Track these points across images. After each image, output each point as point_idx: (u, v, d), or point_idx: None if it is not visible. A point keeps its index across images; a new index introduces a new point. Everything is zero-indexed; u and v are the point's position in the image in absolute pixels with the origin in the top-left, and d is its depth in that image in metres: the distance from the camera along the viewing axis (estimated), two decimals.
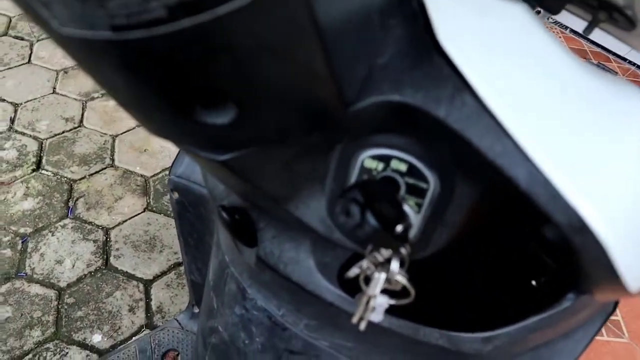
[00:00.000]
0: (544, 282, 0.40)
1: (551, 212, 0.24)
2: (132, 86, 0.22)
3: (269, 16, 0.18)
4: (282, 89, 0.22)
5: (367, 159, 0.31)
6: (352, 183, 0.31)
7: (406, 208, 0.31)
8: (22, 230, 1.38)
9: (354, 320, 0.33)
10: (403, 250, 0.31)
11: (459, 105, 0.25)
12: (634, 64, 2.23)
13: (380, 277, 0.30)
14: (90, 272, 1.31)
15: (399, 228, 0.28)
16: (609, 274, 0.25)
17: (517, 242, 0.39)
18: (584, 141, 0.24)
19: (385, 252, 0.31)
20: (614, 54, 2.28)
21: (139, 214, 1.46)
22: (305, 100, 0.23)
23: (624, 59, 2.27)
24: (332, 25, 0.20)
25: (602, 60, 2.25)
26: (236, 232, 0.42)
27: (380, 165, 0.31)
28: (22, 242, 1.35)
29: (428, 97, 0.25)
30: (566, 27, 2.37)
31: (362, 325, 0.33)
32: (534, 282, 0.41)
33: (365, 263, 0.32)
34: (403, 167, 0.30)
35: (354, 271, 0.32)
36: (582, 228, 0.24)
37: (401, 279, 0.32)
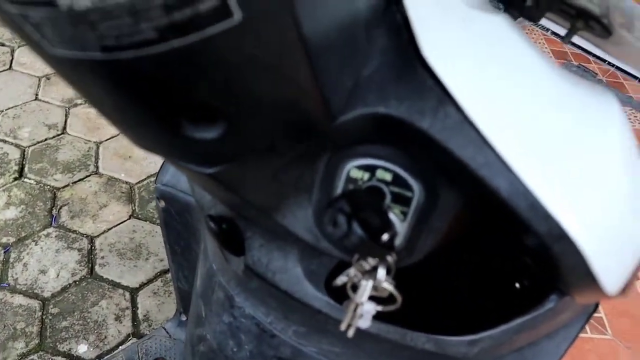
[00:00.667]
0: (527, 285, 0.41)
1: (531, 221, 0.25)
2: (121, 104, 0.22)
3: (257, 35, 0.19)
4: (270, 104, 0.22)
5: (353, 169, 0.31)
6: (338, 193, 0.31)
7: (392, 216, 0.31)
8: (4, 239, 1.35)
9: (342, 327, 0.34)
10: (389, 258, 0.32)
11: (442, 117, 0.25)
12: (613, 65, 2.28)
13: (367, 285, 0.31)
14: (75, 282, 1.29)
15: (385, 237, 0.28)
16: (588, 279, 0.26)
17: (499, 248, 0.39)
18: (563, 151, 0.25)
19: (372, 260, 0.32)
20: (594, 55, 2.33)
21: (124, 221, 1.45)
22: (293, 113, 0.24)
23: (604, 60, 2.31)
24: (318, 40, 0.21)
25: (583, 62, 2.29)
26: (224, 241, 0.42)
27: (366, 175, 0.31)
28: (5, 252, 1.33)
29: (412, 109, 0.26)
30: (547, 29, 2.42)
31: (350, 332, 0.33)
32: (517, 285, 0.42)
33: (352, 271, 0.32)
34: (388, 177, 0.31)
35: (341, 279, 0.33)
36: (561, 236, 0.25)
37: (388, 286, 0.32)
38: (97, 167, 1.59)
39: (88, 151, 1.63)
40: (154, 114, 0.22)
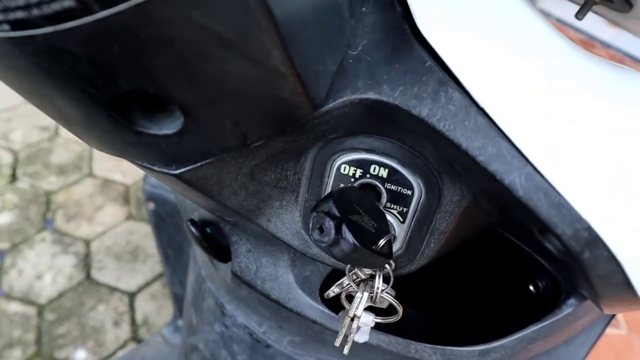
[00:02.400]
0: (543, 288, 0.37)
1: (554, 223, 0.21)
2: (53, 94, 0.18)
3: (208, 1, 0.15)
4: (235, 90, 0.19)
5: (343, 165, 0.27)
6: (325, 194, 0.28)
7: (389, 218, 0.28)
8: None
9: (337, 343, 0.30)
10: (387, 266, 0.28)
11: (444, 102, 0.21)
12: (620, 51, 2.22)
13: (363, 297, 0.27)
14: (71, 286, 1.26)
15: (382, 242, 0.25)
16: (624, 291, 0.22)
17: (511, 248, 0.36)
18: (592, 140, 0.21)
19: (367, 269, 0.28)
20: (600, 41, 2.27)
21: (120, 223, 1.42)
22: (265, 101, 0.20)
23: (609, 46, 2.26)
24: (289, 11, 0.17)
25: (587, 48, 2.24)
26: (207, 248, 0.39)
27: (359, 172, 0.27)
28: None
29: (408, 94, 0.22)
30: (548, 16, 2.36)
31: (346, 350, 0.29)
32: (532, 288, 0.38)
33: (345, 281, 0.29)
34: (384, 173, 0.27)
35: (334, 290, 0.29)
36: (593, 242, 0.21)
37: (387, 297, 0.28)
38: (91, 168, 1.56)
39: (81, 152, 1.60)
40: (94, 105, 0.18)
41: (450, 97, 0.21)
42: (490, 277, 0.42)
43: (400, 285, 0.31)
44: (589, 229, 0.20)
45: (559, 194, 0.20)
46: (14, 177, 1.49)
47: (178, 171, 0.23)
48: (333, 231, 0.23)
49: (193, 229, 0.38)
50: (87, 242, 1.36)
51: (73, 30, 0.14)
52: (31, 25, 0.14)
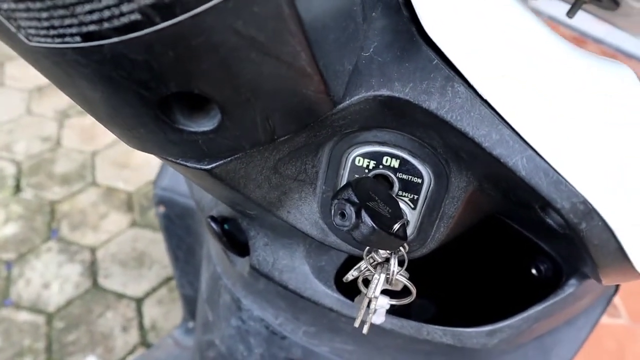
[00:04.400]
0: (544, 270, 0.40)
1: (553, 199, 0.23)
2: (108, 98, 0.20)
3: (250, 13, 0.17)
4: (267, 89, 0.21)
5: (358, 157, 0.30)
6: (344, 183, 0.30)
7: (401, 205, 0.30)
8: (5, 256, 1.34)
9: (356, 324, 0.32)
10: (402, 249, 0.30)
11: (451, 96, 0.24)
12: (612, 47, 2.26)
13: (380, 278, 0.29)
14: (79, 294, 1.28)
15: (397, 226, 0.27)
16: (619, 258, 0.25)
17: (513, 232, 0.38)
18: (584, 122, 0.23)
19: (383, 252, 0.31)
20: (591, 37, 2.31)
21: (125, 230, 1.43)
22: (292, 99, 0.22)
23: (601, 42, 2.29)
24: (315, 18, 0.19)
25: (579, 44, 2.27)
26: (227, 243, 0.41)
27: (372, 163, 0.30)
28: (7, 269, 1.31)
29: (418, 90, 0.24)
30: (540, 14, 2.40)
31: (365, 329, 0.31)
32: (534, 271, 0.40)
33: (363, 264, 0.31)
34: (395, 163, 0.29)
35: (352, 274, 0.31)
36: (588, 213, 0.23)
37: (401, 278, 0.31)
38: (94, 177, 1.57)
39: (84, 162, 1.62)
40: (145, 107, 0.20)
41: (456, 91, 0.24)
42: (494, 262, 0.44)
43: (409, 270, 0.33)
44: (585, 202, 0.23)
45: (557, 172, 0.23)
46: (18, 188, 1.51)
47: (210, 166, 0.26)
48: (354, 216, 0.25)
49: (214, 225, 0.40)
50: (92, 250, 1.38)
51: (136, 39, 0.16)
52: (100, 37, 0.16)
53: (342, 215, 0.25)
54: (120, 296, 1.28)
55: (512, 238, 0.40)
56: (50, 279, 1.30)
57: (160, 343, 0.94)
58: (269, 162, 0.27)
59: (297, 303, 0.42)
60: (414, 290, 0.31)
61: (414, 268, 0.33)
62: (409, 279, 0.32)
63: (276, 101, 0.22)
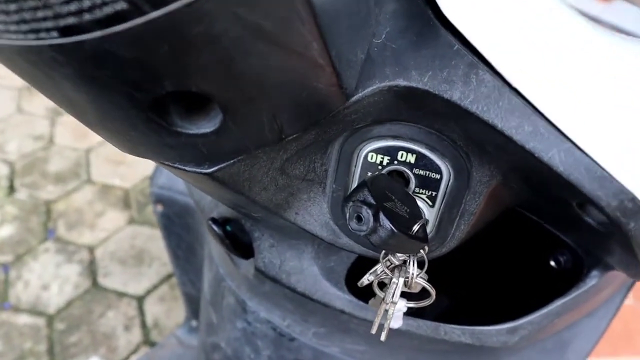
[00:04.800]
0: (564, 263, 0.38)
1: (597, 196, 0.21)
2: (94, 100, 0.18)
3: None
4: (275, 84, 0.19)
5: (371, 153, 0.27)
6: (358, 183, 0.28)
7: (419, 203, 0.28)
8: (1, 259, 1.32)
9: (373, 330, 0.30)
10: (421, 251, 0.28)
11: (476, 85, 0.21)
12: (608, 24, 2.23)
13: (398, 283, 0.27)
14: (79, 295, 1.26)
15: (416, 227, 0.25)
16: None
17: (530, 226, 0.36)
18: (631, 111, 0.21)
19: (400, 255, 0.29)
20: (588, 15, 2.28)
21: (123, 228, 1.41)
22: (302, 94, 0.20)
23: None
24: (326, 1, 0.17)
25: None
26: (230, 245, 0.39)
27: (386, 159, 0.27)
28: (4, 272, 1.29)
29: (438, 79, 0.22)
30: None
31: (383, 337, 0.30)
32: (553, 264, 0.38)
33: (379, 268, 0.29)
34: (411, 159, 0.27)
35: (368, 278, 0.29)
36: (638, 212, 0.21)
37: (421, 281, 0.29)
38: (89, 175, 1.55)
39: (78, 159, 1.59)
40: (135, 108, 0.18)
41: (481, 79, 0.22)
42: (511, 255, 0.42)
43: (428, 270, 0.31)
44: (634, 199, 0.21)
45: (601, 167, 0.20)
46: (11, 189, 1.48)
47: (210, 170, 0.23)
48: (371, 219, 0.23)
49: (215, 228, 0.38)
50: (91, 249, 1.36)
51: (123, 33, 0.14)
52: (80, 31, 0.14)
53: (359, 218, 0.23)
54: (120, 295, 1.27)
55: (528, 229, 0.38)
56: (48, 280, 1.28)
57: (164, 343, 0.93)
58: (275, 163, 0.25)
59: (306, 305, 0.40)
60: (433, 292, 0.29)
61: (428, 264, 0.32)
62: (428, 280, 0.30)
63: (284, 97, 0.19)
